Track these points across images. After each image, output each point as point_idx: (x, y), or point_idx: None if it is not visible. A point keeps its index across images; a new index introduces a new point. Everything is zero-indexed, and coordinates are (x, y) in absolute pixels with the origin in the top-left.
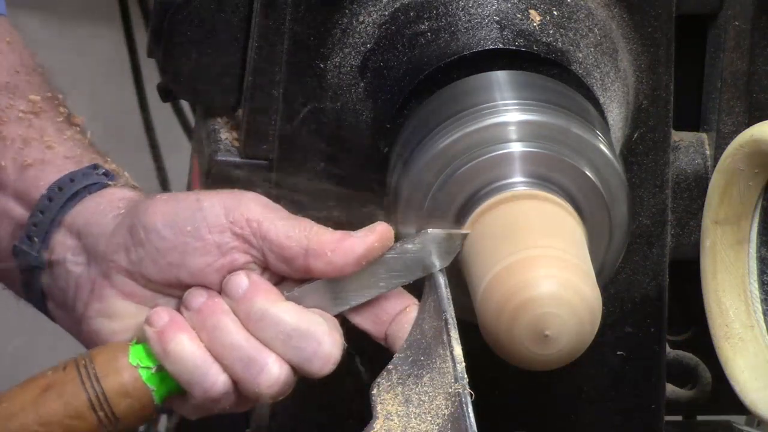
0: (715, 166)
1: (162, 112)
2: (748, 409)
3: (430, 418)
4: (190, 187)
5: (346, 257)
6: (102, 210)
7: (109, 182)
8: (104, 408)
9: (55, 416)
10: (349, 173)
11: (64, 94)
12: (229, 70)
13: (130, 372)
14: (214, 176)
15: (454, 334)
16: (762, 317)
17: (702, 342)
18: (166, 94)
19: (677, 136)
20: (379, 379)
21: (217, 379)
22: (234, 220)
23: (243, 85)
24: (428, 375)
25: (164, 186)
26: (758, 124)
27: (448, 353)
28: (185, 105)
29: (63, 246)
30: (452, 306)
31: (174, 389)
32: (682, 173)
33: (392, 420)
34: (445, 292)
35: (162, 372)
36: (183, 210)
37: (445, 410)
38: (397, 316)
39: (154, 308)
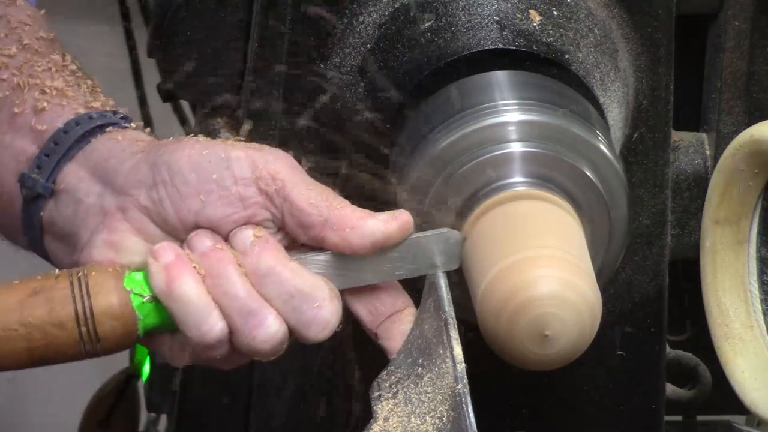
0: (715, 166)
1: (162, 112)
2: (748, 409)
3: (429, 418)
4: None
5: (363, 239)
6: (121, 145)
7: (127, 125)
8: (88, 324)
9: (38, 320)
10: (350, 173)
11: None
12: (229, 70)
13: (121, 295)
14: None
15: (454, 334)
16: (762, 317)
17: (702, 342)
18: (166, 94)
19: (677, 136)
20: (379, 380)
21: (215, 325)
22: (260, 176)
23: (243, 85)
24: (428, 375)
25: None
26: (758, 124)
27: (448, 353)
28: (185, 105)
29: (75, 176)
30: (452, 306)
31: (162, 325)
32: (682, 173)
33: (392, 420)
34: (445, 292)
35: (153, 303)
36: (210, 157)
37: (445, 410)
38: (392, 316)
39: (160, 243)
